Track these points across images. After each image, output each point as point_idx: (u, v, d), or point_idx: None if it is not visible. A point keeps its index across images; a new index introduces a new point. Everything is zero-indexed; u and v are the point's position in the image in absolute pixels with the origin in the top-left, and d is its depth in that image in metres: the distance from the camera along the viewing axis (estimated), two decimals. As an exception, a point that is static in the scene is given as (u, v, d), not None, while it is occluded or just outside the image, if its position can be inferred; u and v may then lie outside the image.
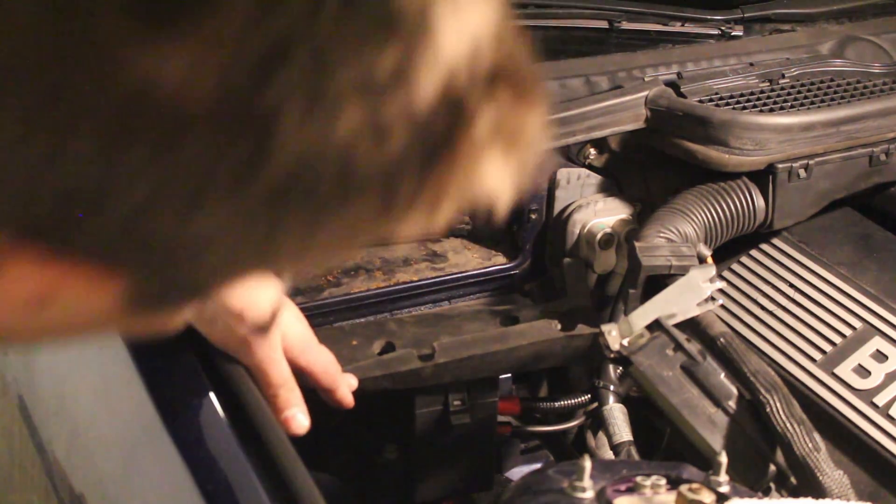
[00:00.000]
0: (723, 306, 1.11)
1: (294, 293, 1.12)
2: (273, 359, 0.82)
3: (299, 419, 0.83)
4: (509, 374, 1.27)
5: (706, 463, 0.74)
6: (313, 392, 0.88)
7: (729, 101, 1.25)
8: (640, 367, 1.00)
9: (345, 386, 0.90)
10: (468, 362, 1.08)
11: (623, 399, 1.15)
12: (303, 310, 1.08)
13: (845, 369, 1.06)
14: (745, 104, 1.24)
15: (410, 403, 1.12)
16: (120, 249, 0.37)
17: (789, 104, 1.25)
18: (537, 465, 1.26)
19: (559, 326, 1.13)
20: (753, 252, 1.21)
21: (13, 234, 0.36)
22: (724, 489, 0.68)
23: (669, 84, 1.25)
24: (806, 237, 1.22)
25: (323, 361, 0.86)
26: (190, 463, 0.74)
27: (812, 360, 1.08)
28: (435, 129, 0.38)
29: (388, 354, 1.08)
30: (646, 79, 1.25)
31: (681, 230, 1.14)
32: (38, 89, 0.34)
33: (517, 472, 1.31)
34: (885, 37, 1.44)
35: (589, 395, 1.24)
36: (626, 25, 1.43)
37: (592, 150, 1.26)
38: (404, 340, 1.11)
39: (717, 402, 0.97)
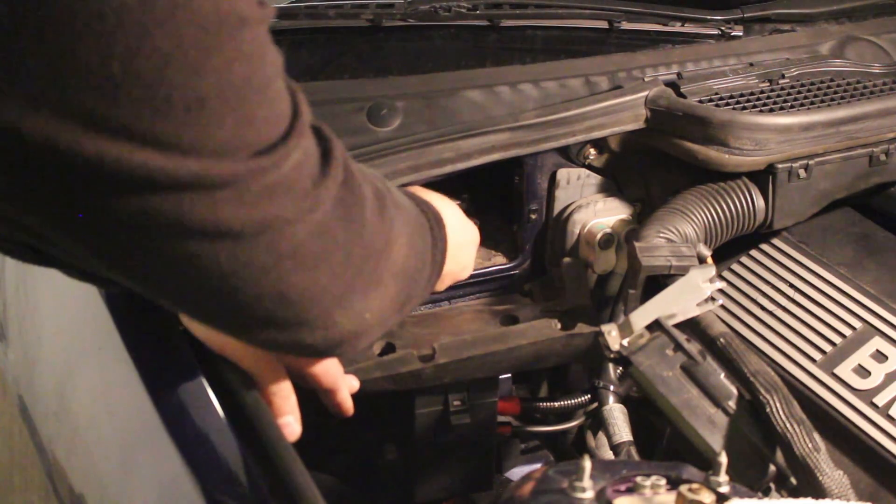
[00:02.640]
0: (723, 306, 1.11)
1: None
2: (268, 365, 0.82)
3: (292, 427, 0.83)
4: (509, 374, 1.27)
5: (706, 463, 0.74)
6: (313, 393, 0.88)
7: (729, 101, 1.25)
8: (640, 368, 0.99)
9: (345, 389, 0.89)
10: (468, 363, 1.08)
11: (623, 399, 1.15)
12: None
13: (845, 369, 1.06)
14: (745, 104, 1.24)
15: (410, 403, 1.12)
16: None
17: (789, 104, 1.25)
18: (537, 465, 1.27)
19: (559, 326, 1.13)
20: (753, 252, 1.21)
21: None
22: (724, 489, 0.68)
23: (669, 84, 1.25)
24: (806, 237, 1.22)
25: (324, 362, 0.86)
26: (190, 463, 0.74)
27: (812, 360, 1.08)
28: None
29: (389, 356, 1.08)
30: (646, 79, 1.25)
31: (681, 230, 1.14)
32: None
33: (517, 472, 1.31)
34: (885, 37, 1.44)
35: (589, 395, 1.24)
36: (626, 25, 1.43)
37: (592, 150, 1.26)
38: (404, 341, 1.12)
39: (717, 403, 0.96)
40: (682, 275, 1.05)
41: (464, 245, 0.96)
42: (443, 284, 0.92)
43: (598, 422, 1.18)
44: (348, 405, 0.90)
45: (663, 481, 0.68)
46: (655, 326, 1.02)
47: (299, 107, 0.62)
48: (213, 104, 0.54)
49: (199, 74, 0.53)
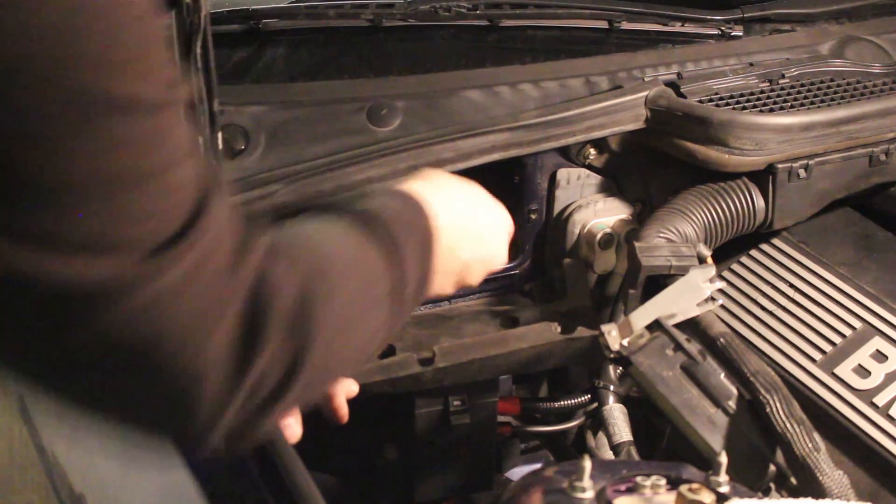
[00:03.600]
0: (723, 306, 1.11)
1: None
2: None
3: (292, 427, 0.83)
4: (509, 375, 1.27)
5: (706, 463, 0.74)
6: None
7: (729, 101, 1.25)
8: (640, 368, 1.00)
9: (342, 395, 0.89)
10: (468, 366, 1.09)
11: (623, 399, 1.15)
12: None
13: (845, 369, 1.06)
14: (745, 104, 1.24)
15: (410, 404, 1.12)
16: None
17: (789, 104, 1.25)
18: (537, 465, 1.27)
19: (559, 329, 1.13)
20: (753, 252, 1.21)
21: None
22: (724, 489, 0.68)
23: (669, 84, 1.25)
24: (806, 237, 1.22)
25: None
26: (190, 463, 0.74)
27: (812, 360, 1.08)
28: None
29: (389, 359, 1.08)
30: (646, 79, 1.25)
31: (681, 230, 1.14)
32: None
33: (517, 472, 1.31)
34: (885, 37, 1.44)
35: (589, 396, 1.24)
36: (626, 25, 1.43)
37: (592, 150, 1.26)
38: (404, 342, 1.11)
39: (717, 402, 0.97)
40: (682, 275, 1.05)
41: (476, 236, 0.85)
42: (447, 285, 0.84)
43: (598, 422, 1.18)
44: (343, 412, 0.90)
45: (663, 481, 0.68)
46: (655, 326, 1.02)
47: (207, 197, 0.53)
48: (79, 192, 0.48)
49: (68, 158, 0.47)
